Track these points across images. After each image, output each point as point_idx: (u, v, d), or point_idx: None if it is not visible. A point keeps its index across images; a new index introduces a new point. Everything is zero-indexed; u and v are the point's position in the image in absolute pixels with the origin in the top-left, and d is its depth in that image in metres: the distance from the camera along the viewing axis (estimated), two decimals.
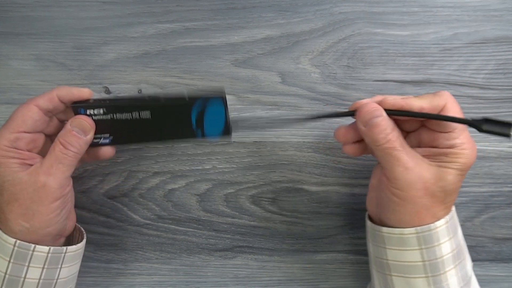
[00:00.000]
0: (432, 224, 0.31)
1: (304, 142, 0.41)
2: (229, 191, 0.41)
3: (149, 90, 0.39)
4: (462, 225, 0.43)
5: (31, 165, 0.32)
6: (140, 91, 0.39)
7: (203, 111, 0.34)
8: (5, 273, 0.31)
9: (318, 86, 0.40)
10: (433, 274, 0.31)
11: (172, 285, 0.43)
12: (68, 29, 0.38)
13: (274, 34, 0.39)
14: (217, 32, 0.39)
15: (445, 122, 0.31)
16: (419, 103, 0.31)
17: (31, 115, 0.32)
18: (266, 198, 0.42)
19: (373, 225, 0.34)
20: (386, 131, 0.31)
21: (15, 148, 0.32)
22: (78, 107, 0.34)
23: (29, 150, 0.33)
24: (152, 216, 0.42)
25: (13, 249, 0.31)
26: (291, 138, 0.41)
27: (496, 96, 0.41)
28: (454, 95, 0.40)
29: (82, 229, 0.37)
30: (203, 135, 0.35)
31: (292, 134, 0.41)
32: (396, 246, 0.32)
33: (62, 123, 0.35)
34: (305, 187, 0.42)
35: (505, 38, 0.40)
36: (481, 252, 0.44)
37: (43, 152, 0.34)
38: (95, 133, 0.34)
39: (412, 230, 0.31)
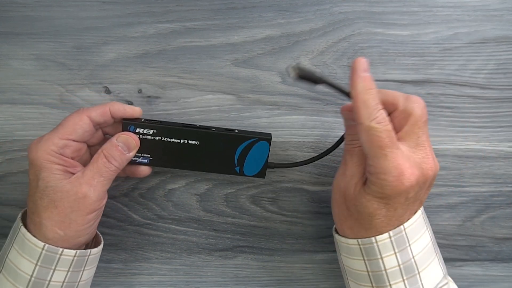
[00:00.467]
0: (373, 238, 0.31)
1: (304, 142, 0.41)
2: (229, 191, 0.41)
3: (149, 90, 0.39)
4: (461, 225, 0.43)
5: (72, 173, 0.32)
6: (140, 91, 0.39)
7: (248, 151, 0.36)
8: (31, 276, 0.31)
9: (318, 86, 0.40)
10: (378, 285, 0.31)
11: (172, 285, 0.43)
12: (68, 29, 0.38)
13: (274, 34, 0.39)
14: (217, 32, 0.39)
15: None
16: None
17: (82, 124, 0.33)
18: (266, 198, 0.42)
19: (333, 231, 0.36)
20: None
21: (61, 155, 0.32)
22: (129, 124, 0.35)
23: (72, 158, 0.33)
24: (152, 216, 0.42)
25: (41, 253, 0.31)
26: (291, 138, 0.41)
27: (496, 96, 0.41)
28: (454, 95, 0.41)
29: (97, 231, 0.37)
30: (241, 172, 0.37)
31: (292, 134, 0.41)
32: (346, 254, 0.33)
33: (104, 135, 0.36)
34: (305, 187, 0.42)
35: (505, 38, 0.40)
36: (481, 252, 0.44)
37: (82, 161, 0.34)
38: (136, 152, 0.35)
39: (354, 241, 0.32)
